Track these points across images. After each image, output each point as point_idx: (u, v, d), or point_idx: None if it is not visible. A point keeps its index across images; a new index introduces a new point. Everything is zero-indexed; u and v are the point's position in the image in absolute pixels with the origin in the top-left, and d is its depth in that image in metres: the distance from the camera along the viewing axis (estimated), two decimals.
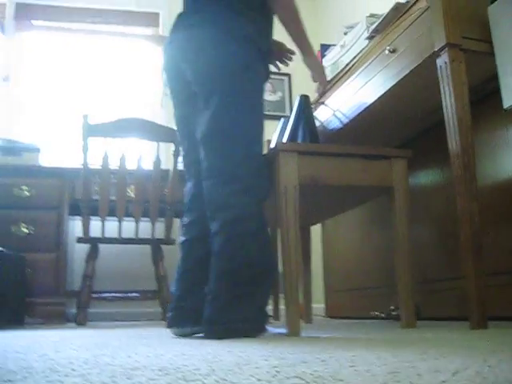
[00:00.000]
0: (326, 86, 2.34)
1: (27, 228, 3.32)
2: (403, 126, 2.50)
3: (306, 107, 2.26)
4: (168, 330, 1.97)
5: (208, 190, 1.85)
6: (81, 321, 2.97)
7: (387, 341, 1.38)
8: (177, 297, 1.95)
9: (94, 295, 3.18)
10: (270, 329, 1.88)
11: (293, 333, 1.74)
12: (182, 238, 2.03)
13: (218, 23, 1.87)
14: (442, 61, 1.75)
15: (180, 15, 2.03)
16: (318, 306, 3.44)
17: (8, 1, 4.49)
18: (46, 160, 3.78)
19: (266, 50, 1.98)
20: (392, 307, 2.45)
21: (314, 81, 2.28)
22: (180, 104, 2.08)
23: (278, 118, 4.40)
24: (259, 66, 1.92)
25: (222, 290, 1.76)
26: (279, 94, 4.75)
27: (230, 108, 1.83)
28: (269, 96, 4.72)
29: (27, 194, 3.37)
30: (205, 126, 1.85)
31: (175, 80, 2.05)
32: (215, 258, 1.80)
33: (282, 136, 2.36)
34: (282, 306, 2.17)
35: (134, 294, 3.38)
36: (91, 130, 3.02)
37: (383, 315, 2.56)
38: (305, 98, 2.29)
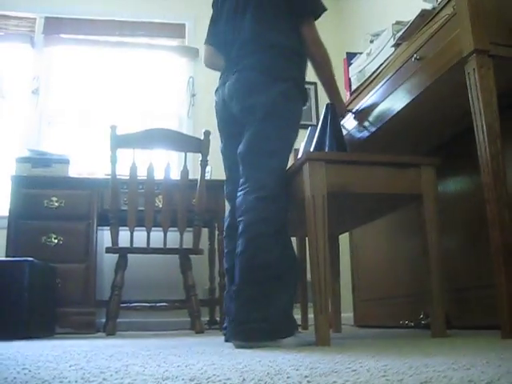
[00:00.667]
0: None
1: (57, 238, 3.37)
2: (431, 132, 2.48)
3: (332, 116, 2.26)
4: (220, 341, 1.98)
5: (240, 198, 2.03)
6: (110, 330, 3.00)
7: (418, 350, 1.37)
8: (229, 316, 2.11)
9: (123, 305, 3.20)
10: (301, 336, 1.87)
11: (322, 342, 1.73)
12: (226, 265, 2.27)
13: (264, 67, 2.12)
14: (470, 67, 1.73)
15: (228, 61, 2.30)
16: (347, 315, 3.41)
17: (37, 15, 4.58)
18: (76, 171, 3.83)
19: (304, 88, 2.21)
20: (422, 316, 2.42)
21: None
22: (226, 140, 2.35)
23: (305, 126, 4.40)
24: (298, 101, 2.17)
25: (243, 288, 1.88)
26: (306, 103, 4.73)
27: (267, 128, 2.06)
28: None
29: (57, 204, 3.42)
30: (244, 144, 2.10)
31: (224, 119, 2.32)
32: (239, 257, 1.93)
33: (310, 145, 2.35)
34: (310, 315, 2.16)
35: (163, 304, 3.39)
36: (119, 141, 3.05)
37: (413, 324, 2.53)
38: (331, 107, 2.29)
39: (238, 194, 2.06)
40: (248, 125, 2.12)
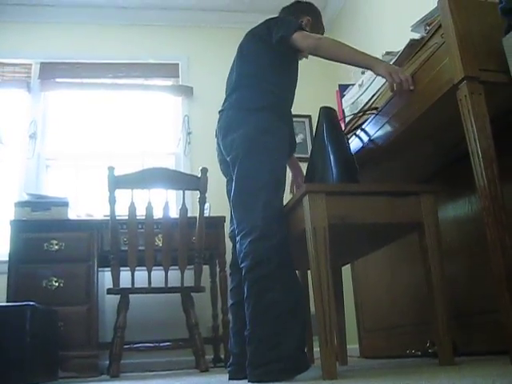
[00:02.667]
0: (410, 86, 2.02)
1: (58, 281, 3.35)
2: (428, 159, 2.49)
3: (329, 122, 2.21)
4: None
5: (238, 244, 2.08)
6: (114, 373, 2.96)
7: (426, 380, 1.35)
8: (234, 354, 2.20)
9: (127, 346, 3.16)
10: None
11: (329, 376, 1.71)
12: (230, 302, 2.33)
13: (238, 103, 2.22)
14: (462, 94, 1.75)
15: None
16: (353, 346, 3.38)
17: (33, 61, 4.65)
18: (75, 213, 3.84)
19: (286, 111, 2.29)
20: (428, 344, 2.40)
21: (391, 91, 2.10)
22: (227, 182, 2.41)
23: (299, 159, 4.44)
24: (279, 129, 2.18)
25: (254, 333, 1.90)
26: (301, 136, 4.77)
27: (250, 168, 2.10)
28: None
29: (57, 247, 3.42)
30: (233, 189, 2.13)
31: (222, 161, 2.38)
32: (245, 303, 1.96)
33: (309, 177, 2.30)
34: (316, 349, 2.14)
35: (166, 344, 3.37)
36: (117, 182, 3.06)
37: (419, 353, 2.50)
38: (325, 112, 2.25)
39: (236, 238, 2.11)
40: (232, 165, 2.16)
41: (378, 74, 2.09)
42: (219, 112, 2.34)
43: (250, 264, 1.97)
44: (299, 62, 2.51)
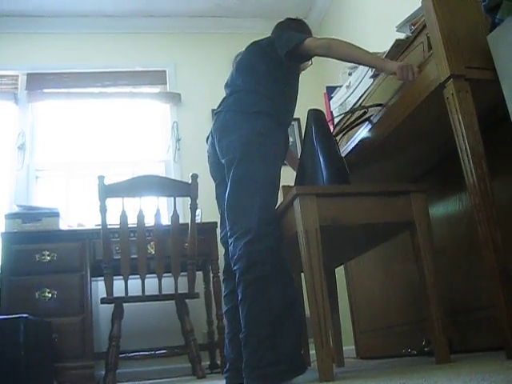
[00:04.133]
0: (415, 74, 1.95)
1: (51, 293, 3.33)
2: (418, 158, 2.50)
3: (317, 124, 2.22)
4: None
5: (231, 246, 2.07)
6: (110, 383, 2.94)
7: (423, 379, 1.35)
8: (230, 360, 2.18)
9: (122, 355, 3.15)
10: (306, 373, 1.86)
11: (326, 377, 1.71)
12: (225, 307, 2.30)
13: (236, 105, 2.24)
14: (449, 92, 1.76)
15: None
16: (349, 348, 3.38)
17: (20, 72, 4.63)
18: (66, 223, 3.82)
19: (285, 120, 2.30)
20: (424, 343, 2.40)
21: (401, 79, 2.01)
22: (217, 185, 2.41)
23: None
24: (275, 134, 2.19)
25: (250, 335, 1.90)
26: (290, 139, 4.76)
27: (245, 171, 2.09)
28: None
29: (49, 258, 3.40)
30: (227, 192, 2.13)
31: (214, 164, 2.36)
32: (240, 305, 1.96)
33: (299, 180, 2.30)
34: (312, 351, 2.14)
35: (162, 351, 3.35)
36: (107, 191, 3.05)
37: (415, 352, 2.50)
38: (313, 114, 2.26)
39: (229, 240, 2.10)
40: (228, 168, 2.16)
41: (390, 73, 2.06)
42: (215, 113, 2.35)
43: (245, 266, 1.97)
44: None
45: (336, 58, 2.25)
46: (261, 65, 2.33)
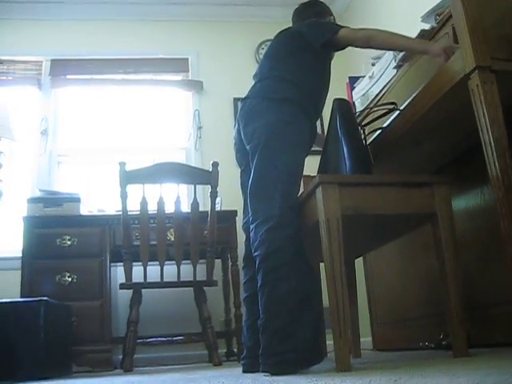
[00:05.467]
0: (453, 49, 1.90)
1: (71, 277, 3.37)
2: (441, 150, 2.47)
3: (343, 114, 2.20)
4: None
5: (252, 232, 2.07)
6: (128, 367, 2.97)
7: (441, 372, 1.34)
8: (248, 347, 2.21)
9: (140, 341, 3.17)
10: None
11: (343, 367, 1.71)
12: (244, 294, 2.31)
13: (263, 92, 2.23)
14: (474, 84, 1.73)
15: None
16: (365, 339, 3.37)
17: (44, 58, 4.66)
18: (87, 209, 3.85)
19: (312, 110, 2.25)
20: (442, 336, 2.39)
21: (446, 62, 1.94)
22: (242, 172, 2.44)
23: (313, 152, 4.43)
24: (300, 122, 2.17)
25: (269, 322, 1.90)
26: None
27: (270, 158, 2.10)
28: None
29: (70, 243, 3.43)
30: (251, 178, 2.13)
31: (240, 150, 2.36)
32: (260, 291, 1.96)
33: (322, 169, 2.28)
34: (329, 341, 2.14)
35: (179, 338, 3.37)
36: (128, 177, 3.07)
37: (433, 345, 2.49)
38: (339, 104, 2.23)
39: (250, 226, 2.11)
40: (252, 154, 2.17)
41: (434, 55, 1.99)
42: (242, 100, 2.34)
43: (265, 253, 1.98)
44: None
45: (376, 48, 2.25)
46: (289, 53, 2.32)
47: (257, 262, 2.02)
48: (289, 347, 1.83)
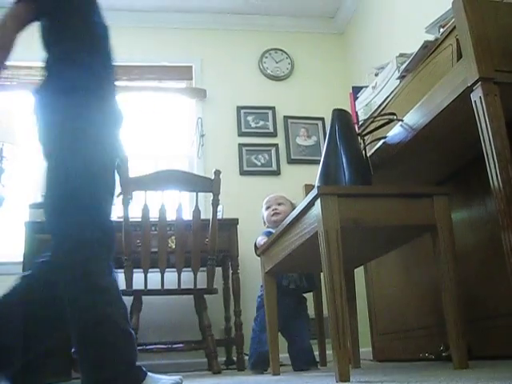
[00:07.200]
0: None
1: None
2: (442, 161, 2.47)
3: (345, 124, 2.18)
4: None
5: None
6: None
7: (441, 383, 1.34)
8: None
9: (139, 347, 3.15)
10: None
11: (343, 379, 1.70)
12: None
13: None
14: (477, 95, 1.73)
15: None
16: (365, 349, 3.36)
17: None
18: None
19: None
20: (442, 348, 2.38)
21: None
22: None
23: (312, 162, 4.45)
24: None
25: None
26: (314, 138, 4.78)
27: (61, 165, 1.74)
28: (303, 141, 4.75)
29: None
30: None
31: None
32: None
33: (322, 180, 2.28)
34: (328, 352, 2.14)
35: (179, 345, 3.36)
36: (131, 184, 3.07)
37: (433, 356, 2.48)
38: (338, 114, 2.21)
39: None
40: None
41: None
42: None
43: None
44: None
45: None
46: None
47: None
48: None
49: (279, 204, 3.23)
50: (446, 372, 1.79)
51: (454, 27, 1.89)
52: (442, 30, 2.21)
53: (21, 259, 3.42)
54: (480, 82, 1.72)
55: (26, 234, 3.46)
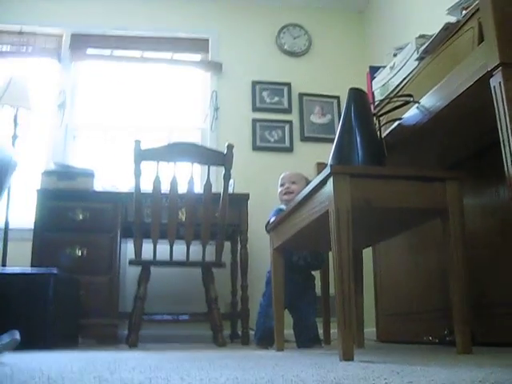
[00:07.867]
0: None
1: (81, 250, 3.40)
2: (457, 147, 2.45)
3: (358, 104, 2.15)
4: None
5: None
6: (132, 342, 3.00)
7: (443, 367, 1.35)
8: None
9: (146, 317, 3.20)
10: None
11: (346, 357, 1.71)
12: None
13: None
14: (496, 81, 1.71)
15: None
16: (369, 330, 3.38)
17: (64, 32, 4.67)
18: (100, 184, 3.87)
19: None
20: (446, 332, 2.39)
21: None
22: None
23: (326, 140, 4.43)
24: None
25: None
26: (328, 116, 4.75)
27: None
28: (318, 119, 4.73)
29: (81, 217, 3.46)
30: None
31: None
32: None
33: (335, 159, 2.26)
34: (333, 330, 2.15)
35: (185, 317, 3.40)
36: (143, 155, 3.08)
37: (437, 340, 2.49)
38: (354, 93, 2.18)
39: None
40: None
41: None
42: None
43: None
44: None
45: None
46: None
47: None
48: None
49: (293, 182, 3.21)
50: (450, 356, 1.80)
51: (477, 10, 1.86)
52: (464, 12, 2.17)
53: (32, 226, 3.46)
54: (501, 68, 1.69)
55: (37, 200, 3.48)
